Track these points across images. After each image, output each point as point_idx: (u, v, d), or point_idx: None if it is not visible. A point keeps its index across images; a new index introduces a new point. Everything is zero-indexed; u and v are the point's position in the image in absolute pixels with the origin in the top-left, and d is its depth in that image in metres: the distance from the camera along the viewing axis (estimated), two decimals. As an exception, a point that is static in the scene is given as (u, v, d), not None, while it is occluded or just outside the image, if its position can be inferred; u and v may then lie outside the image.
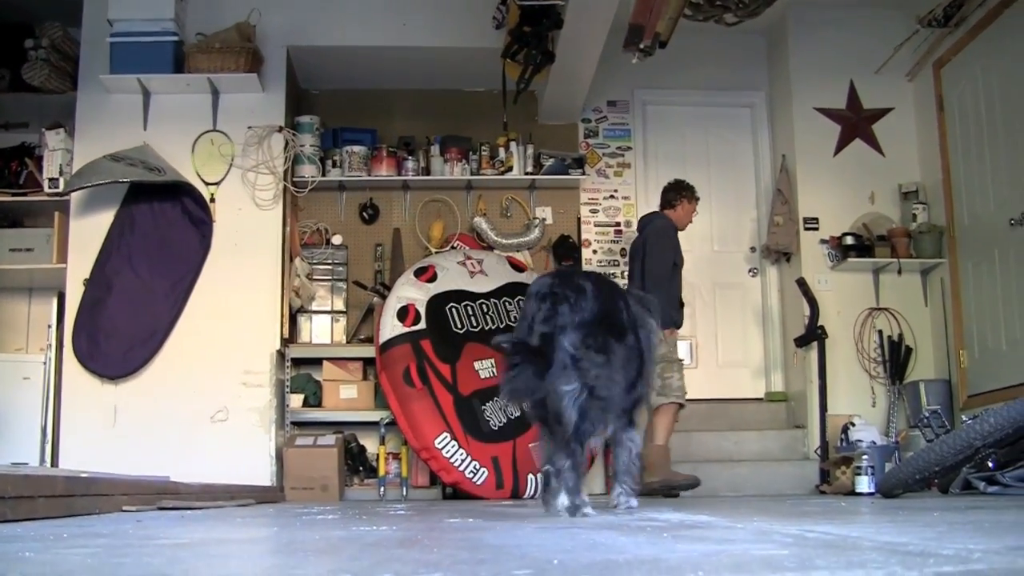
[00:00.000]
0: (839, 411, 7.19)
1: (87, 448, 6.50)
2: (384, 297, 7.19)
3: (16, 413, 6.82)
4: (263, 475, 6.71)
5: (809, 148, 7.82)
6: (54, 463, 6.60)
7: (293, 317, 7.42)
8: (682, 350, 6.93)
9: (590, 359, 3.26)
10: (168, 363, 6.80)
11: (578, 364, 3.24)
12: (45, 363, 6.92)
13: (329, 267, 7.71)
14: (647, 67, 6.78)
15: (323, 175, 7.57)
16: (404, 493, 6.96)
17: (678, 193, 6.92)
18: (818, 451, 7.12)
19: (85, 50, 7.11)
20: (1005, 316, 6.72)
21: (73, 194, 6.85)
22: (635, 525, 2.60)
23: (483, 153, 7.85)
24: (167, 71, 6.96)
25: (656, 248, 6.63)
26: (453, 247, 7.73)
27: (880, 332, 7.56)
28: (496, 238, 7.84)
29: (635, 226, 8.02)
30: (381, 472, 6.98)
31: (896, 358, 7.45)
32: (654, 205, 7.42)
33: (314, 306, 7.59)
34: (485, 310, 7.16)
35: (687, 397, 6.53)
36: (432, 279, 7.10)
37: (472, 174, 7.84)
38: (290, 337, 7.30)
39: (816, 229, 7.71)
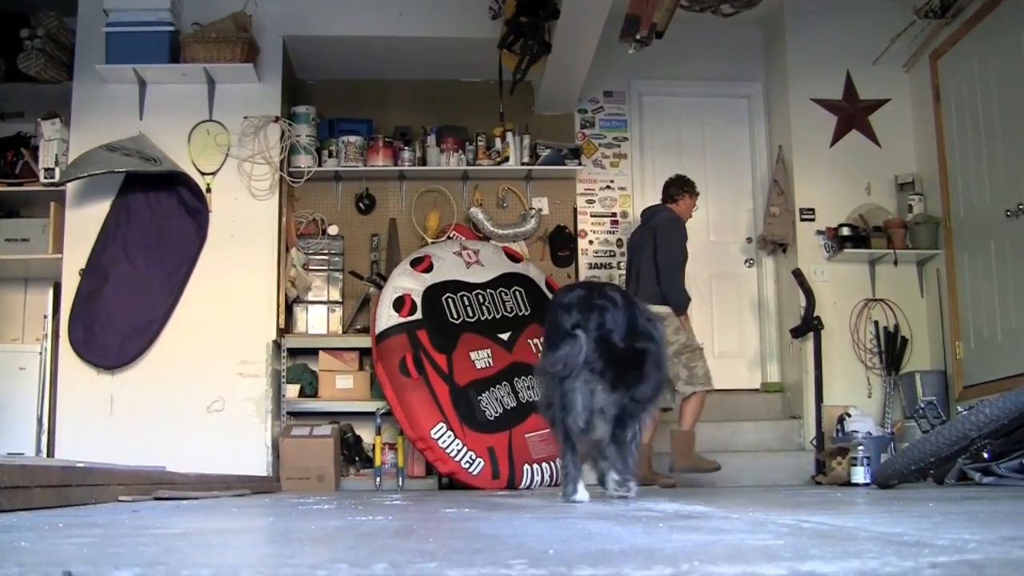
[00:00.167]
0: (835, 402, 7.20)
1: (83, 438, 6.50)
2: (380, 287, 7.19)
3: (12, 403, 6.82)
4: (259, 465, 6.71)
5: (805, 139, 7.82)
6: (50, 453, 6.59)
7: (289, 307, 7.42)
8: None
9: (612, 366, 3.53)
10: (164, 353, 6.80)
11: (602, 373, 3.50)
12: (41, 353, 6.92)
13: (325, 257, 7.70)
14: (644, 58, 6.77)
15: (319, 165, 7.56)
16: (400, 483, 6.97)
17: (680, 188, 6.95)
18: (814, 442, 7.13)
19: (81, 40, 7.09)
20: (1001, 307, 6.73)
21: (69, 184, 6.85)
22: (631, 515, 2.60)
23: (479, 143, 7.85)
24: (163, 61, 6.95)
25: (670, 239, 6.68)
26: (449, 237, 7.73)
27: (876, 323, 7.57)
28: (492, 228, 7.83)
29: (631, 217, 8.05)
30: (377, 462, 6.98)
31: (892, 349, 7.46)
32: (650, 196, 7.43)
33: (310, 296, 7.58)
34: (481, 300, 7.16)
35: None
36: (428, 269, 7.10)
37: (468, 164, 7.83)
38: (286, 327, 7.30)
39: (812, 220, 7.71)
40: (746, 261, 8.25)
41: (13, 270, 7.35)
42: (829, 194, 7.73)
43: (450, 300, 7.04)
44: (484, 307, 7.15)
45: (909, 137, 7.84)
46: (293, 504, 3.77)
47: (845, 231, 7.58)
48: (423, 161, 7.82)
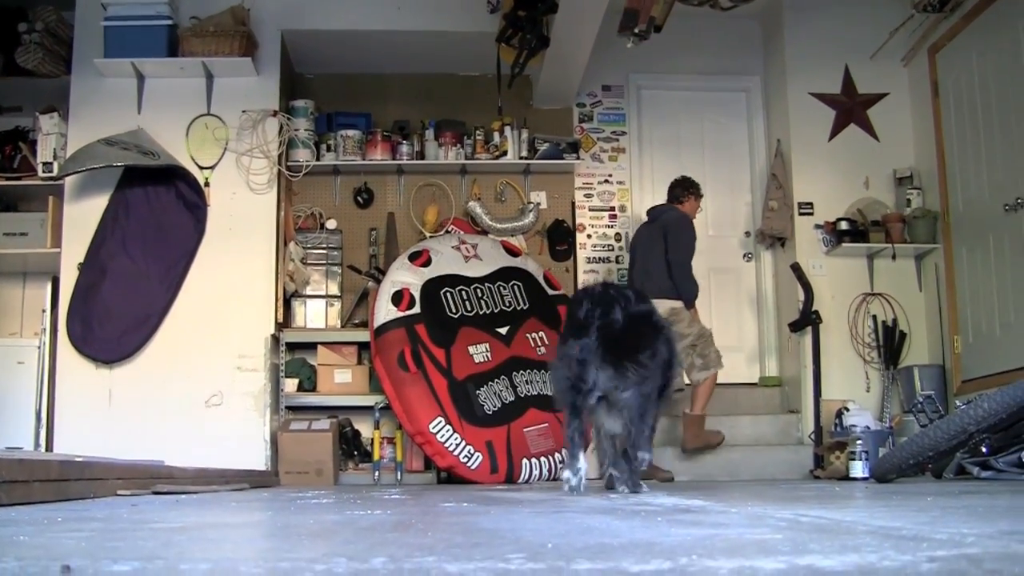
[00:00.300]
0: (833, 396, 7.20)
1: (82, 432, 6.50)
2: (379, 281, 7.19)
3: (11, 398, 6.82)
4: (258, 459, 6.71)
5: (804, 133, 7.81)
6: (49, 447, 6.60)
7: (288, 301, 7.41)
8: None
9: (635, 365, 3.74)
10: (162, 347, 6.80)
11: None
12: (39, 347, 6.92)
13: (323, 251, 7.69)
14: (642, 52, 6.77)
15: (317, 159, 7.56)
16: (399, 478, 6.97)
17: (685, 189, 7.08)
18: (812, 436, 7.13)
19: (79, 34, 7.08)
20: (999, 301, 6.73)
21: (67, 178, 6.84)
22: (629, 509, 2.61)
23: (478, 137, 7.84)
24: (161, 55, 6.94)
25: (681, 236, 6.81)
26: (447, 231, 7.73)
27: (874, 317, 7.57)
28: (490, 223, 7.83)
29: (629, 211, 8.05)
30: (376, 457, 6.99)
31: (890, 343, 7.46)
32: (648, 190, 7.43)
33: (308, 290, 7.57)
34: (480, 295, 7.16)
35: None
36: (426, 263, 7.10)
37: (467, 158, 7.83)
38: (284, 321, 7.30)
39: (811, 214, 7.70)
40: (744, 255, 8.25)
41: (11, 264, 7.34)
42: (827, 188, 7.73)
43: (448, 294, 7.04)
44: (482, 301, 7.14)
45: (907, 131, 7.84)
46: (292, 498, 3.78)
47: (843, 225, 7.57)
48: (421, 155, 7.81)
